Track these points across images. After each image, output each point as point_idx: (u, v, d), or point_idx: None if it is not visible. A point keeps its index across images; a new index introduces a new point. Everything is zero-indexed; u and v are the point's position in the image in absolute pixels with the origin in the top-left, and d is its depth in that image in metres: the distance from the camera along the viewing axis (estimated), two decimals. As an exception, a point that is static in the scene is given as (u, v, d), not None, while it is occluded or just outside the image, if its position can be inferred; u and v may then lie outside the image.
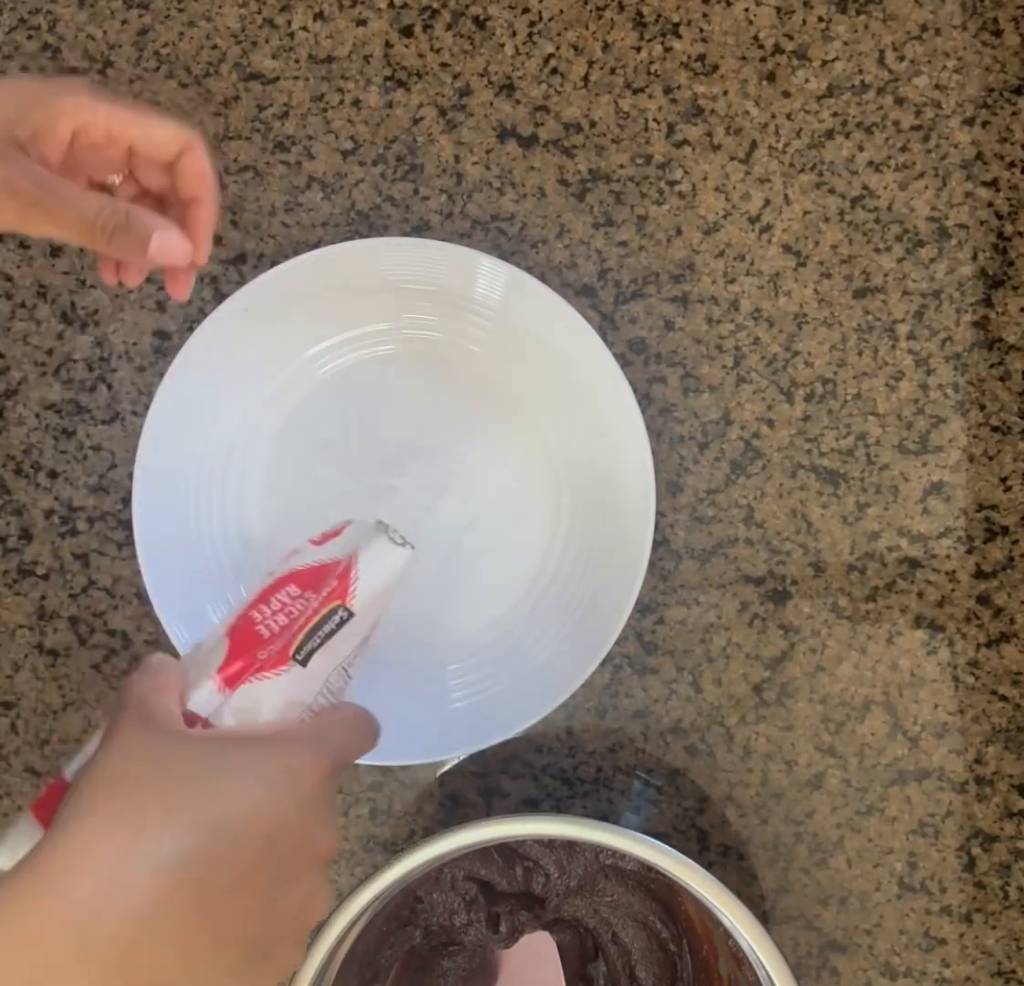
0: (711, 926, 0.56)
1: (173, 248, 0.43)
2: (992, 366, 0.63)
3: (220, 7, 0.64)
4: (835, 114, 0.63)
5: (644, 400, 0.63)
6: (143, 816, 0.33)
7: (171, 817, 0.33)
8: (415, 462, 0.62)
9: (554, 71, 0.64)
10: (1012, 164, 0.63)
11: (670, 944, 0.60)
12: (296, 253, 0.62)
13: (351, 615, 0.41)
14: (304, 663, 0.40)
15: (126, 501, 0.64)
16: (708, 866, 0.63)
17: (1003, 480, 0.63)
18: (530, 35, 0.64)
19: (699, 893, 0.51)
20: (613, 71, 0.64)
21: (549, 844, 0.60)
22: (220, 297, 0.63)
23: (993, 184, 0.63)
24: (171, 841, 0.32)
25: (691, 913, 0.59)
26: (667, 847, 0.52)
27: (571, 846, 0.60)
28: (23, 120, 0.43)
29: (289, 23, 0.64)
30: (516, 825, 0.52)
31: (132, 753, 0.35)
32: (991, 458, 0.63)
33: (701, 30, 0.64)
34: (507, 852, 0.60)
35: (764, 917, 0.63)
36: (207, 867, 0.33)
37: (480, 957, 0.61)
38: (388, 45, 0.64)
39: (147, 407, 0.59)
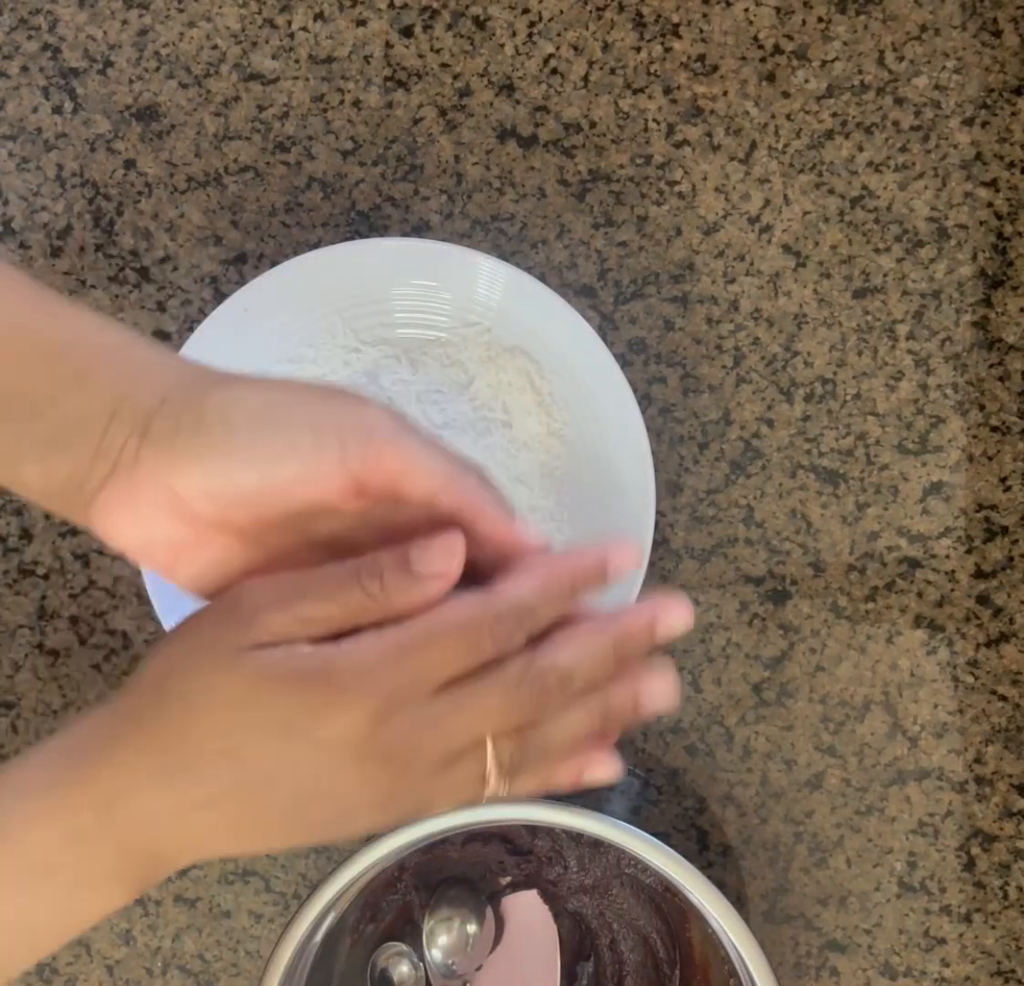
0: (711, 959, 0.56)
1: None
2: (992, 366, 0.63)
3: (220, 7, 0.64)
4: (835, 114, 0.63)
5: (644, 400, 0.63)
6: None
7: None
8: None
9: (554, 71, 0.64)
10: (1012, 164, 0.63)
11: (664, 966, 0.60)
12: (296, 253, 0.62)
13: None
14: None
15: (126, 501, 0.64)
16: (707, 866, 0.63)
17: (1003, 480, 0.63)
18: (530, 35, 0.64)
19: (703, 906, 0.51)
20: (613, 71, 0.64)
21: (577, 838, 0.60)
22: (220, 297, 0.63)
23: (993, 184, 0.63)
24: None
25: (695, 942, 0.59)
26: (680, 856, 0.52)
27: (597, 846, 0.60)
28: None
29: (289, 23, 0.64)
30: (502, 810, 0.53)
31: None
32: (991, 458, 0.63)
33: (701, 30, 0.64)
34: (532, 834, 0.61)
35: (764, 917, 0.63)
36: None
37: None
38: (388, 45, 0.64)
39: (147, 407, 0.59)
